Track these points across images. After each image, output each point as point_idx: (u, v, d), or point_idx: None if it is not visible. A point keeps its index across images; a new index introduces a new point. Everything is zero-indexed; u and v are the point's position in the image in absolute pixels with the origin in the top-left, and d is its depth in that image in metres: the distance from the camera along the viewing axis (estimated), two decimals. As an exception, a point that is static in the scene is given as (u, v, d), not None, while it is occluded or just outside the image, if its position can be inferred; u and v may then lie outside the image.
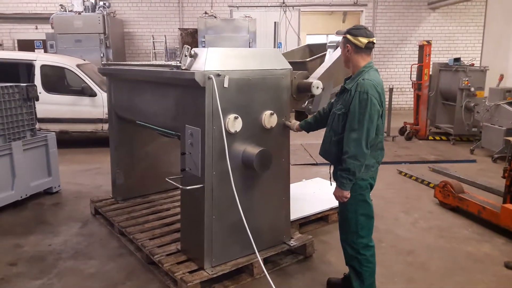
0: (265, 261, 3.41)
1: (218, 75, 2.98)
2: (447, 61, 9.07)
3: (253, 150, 3.16)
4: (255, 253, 3.32)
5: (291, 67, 3.42)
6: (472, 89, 8.30)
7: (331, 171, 3.03)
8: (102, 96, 7.60)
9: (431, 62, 9.04)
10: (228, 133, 3.07)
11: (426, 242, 4.11)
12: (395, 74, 13.35)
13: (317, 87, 3.37)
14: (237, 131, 3.11)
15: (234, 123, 3.08)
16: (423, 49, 8.81)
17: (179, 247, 3.50)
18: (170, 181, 3.21)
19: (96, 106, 7.71)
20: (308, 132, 3.39)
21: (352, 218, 2.89)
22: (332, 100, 3.13)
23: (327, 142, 2.90)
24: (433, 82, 9.33)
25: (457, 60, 8.78)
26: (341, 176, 2.72)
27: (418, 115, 9.14)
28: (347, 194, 2.76)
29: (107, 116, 7.52)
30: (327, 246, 4.00)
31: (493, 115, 7.37)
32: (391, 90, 9.01)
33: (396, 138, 9.02)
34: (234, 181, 3.01)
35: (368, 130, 2.64)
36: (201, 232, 3.16)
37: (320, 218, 4.47)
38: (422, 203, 5.18)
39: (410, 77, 9.43)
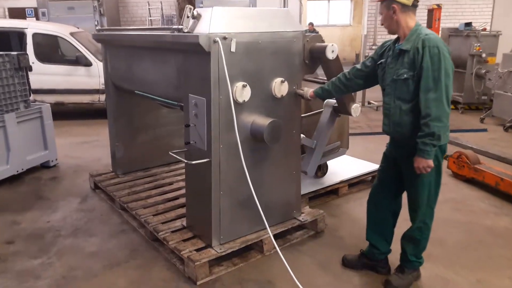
0: (275, 237, 3.22)
1: (225, 38, 2.70)
2: (456, 26, 8.69)
3: (263, 121, 2.92)
4: (264, 229, 3.17)
5: (303, 29, 3.13)
6: (484, 55, 7.98)
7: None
8: (98, 66, 7.29)
9: (440, 27, 8.67)
10: (235, 103, 2.82)
11: (443, 216, 3.92)
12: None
13: (332, 51, 3.10)
14: (246, 100, 2.86)
15: (243, 92, 2.83)
16: (433, 13, 8.44)
17: (185, 223, 3.32)
18: (174, 155, 2.99)
19: (92, 76, 7.40)
20: (324, 101, 3.15)
21: (426, 190, 2.67)
22: (358, 66, 2.87)
23: (395, 113, 2.63)
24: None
25: (468, 24, 8.41)
26: (423, 143, 2.46)
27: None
28: (431, 162, 2.51)
29: (103, 86, 7.28)
30: (338, 220, 3.83)
31: (506, 82, 7.07)
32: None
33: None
34: (243, 154, 2.79)
35: (446, 86, 2.41)
36: (208, 209, 2.96)
37: (330, 192, 4.29)
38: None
39: (418, 43, 9.04)
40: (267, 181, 3.17)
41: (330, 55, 3.10)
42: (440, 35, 8.75)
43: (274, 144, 2.98)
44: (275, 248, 3.18)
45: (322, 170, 4.30)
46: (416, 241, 2.81)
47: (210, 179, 2.89)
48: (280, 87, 3.04)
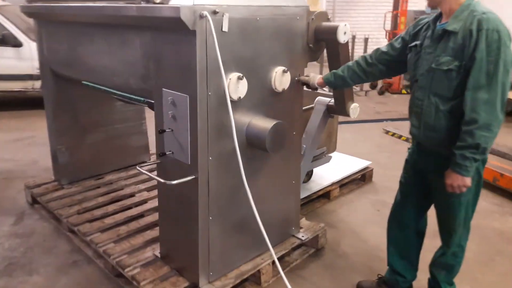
0: (273, 263, 2.61)
1: (215, 12, 1.97)
2: (423, 9, 8.39)
3: (263, 124, 2.25)
4: (260, 255, 2.57)
5: (307, 4, 2.46)
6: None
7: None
8: (30, 47, 6.16)
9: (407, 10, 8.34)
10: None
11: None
12: (365, 23, 12.03)
13: (345, 33, 2.46)
14: (241, 97, 2.17)
15: (238, 86, 2.13)
16: (400, -6, 8.05)
17: (157, 252, 2.59)
18: (144, 171, 2.23)
19: (23, 59, 6.25)
20: (335, 89, 2.53)
21: (462, 210, 2.13)
22: (383, 48, 2.27)
23: (429, 113, 2.03)
24: (406, 31, 8.65)
25: (435, 8, 8.12)
26: (462, 157, 1.88)
27: (391, 67, 8.49)
28: (469, 181, 1.95)
29: (38, 71, 6.19)
30: (336, 232, 3.27)
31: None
32: (366, 40, 8.26)
33: (368, 93, 8.41)
34: (234, 166, 2.12)
35: (503, 85, 1.83)
36: (193, 239, 2.26)
37: (321, 195, 3.73)
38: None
39: (384, 27, 8.69)
40: (263, 196, 2.51)
41: (342, 38, 2.47)
42: (406, 19, 8.43)
43: (277, 152, 2.32)
44: (273, 277, 2.60)
45: (308, 174, 3.70)
46: (450, 267, 2.30)
47: (195, 201, 2.18)
48: (281, 78, 2.37)
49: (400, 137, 5.66)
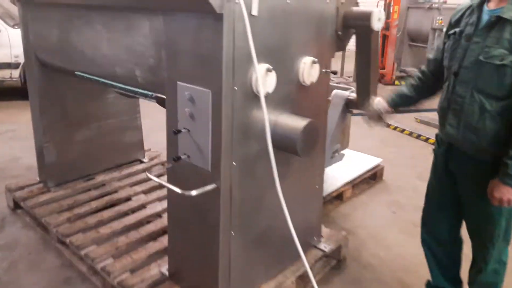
0: (295, 279, 2.33)
1: (245, -9, 1.64)
2: (415, -3, 8.22)
3: (293, 123, 1.94)
4: (281, 272, 2.29)
5: (339, -15, 2.15)
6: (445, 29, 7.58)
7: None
8: (8, 33, 5.68)
9: (400, -2, 8.11)
10: (254, 96, 1.81)
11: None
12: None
13: (379, 19, 2.17)
14: (270, 92, 1.85)
15: (266, 79, 1.82)
16: (393, -18, 7.82)
17: (164, 269, 2.27)
18: (156, 179, 1.90)
19: (0, 46, 5.74)
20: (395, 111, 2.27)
21: (503, 222, 1.88)
22: (431, 56, 2.01)
23: (471, 113, 1.76)
24: (400, 21, 8.43)
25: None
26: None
27: (384, 58, 8.28)
28: None
29: (16, 59, 5.71)
30: (356, 239, 3.01)
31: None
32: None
33: (363, 85, 8.18)
34: (260, 172, 1.85)
35: None
36: (211, 255, 1.95)
37: (334, 197, 3.46)
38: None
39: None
40: (288, 203, 2.22)
41: (377, 25, 2.17)
42: (400, 8, 8.19)
43: (308, 155, 2.02)
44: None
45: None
46: (492, 285, 2.06)
47: (216, 213, 1.86)
48: (310, 70, 2.06)
49: (402, 131, 5.45)
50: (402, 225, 3.24)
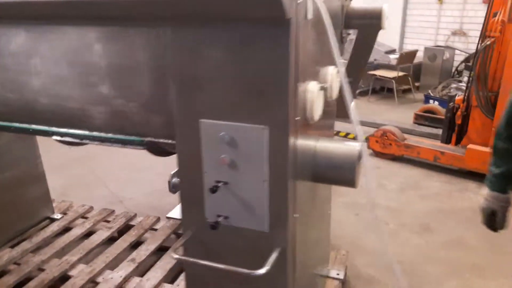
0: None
1: (303, -12, 1.21)
2: None
3: (340, 149, 1.58)
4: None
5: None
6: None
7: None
8: None
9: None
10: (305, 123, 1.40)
11: (421, 209, 3.41)
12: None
13: (387, 17, 1.93)
14: (319, 116, 1.46)
15: (317, 102, 1.42)
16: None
17: None
18: (202, 262, 1.31)
19: None
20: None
21: None
22: None
23: None
24: None
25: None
26: None
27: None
28: None
29: None
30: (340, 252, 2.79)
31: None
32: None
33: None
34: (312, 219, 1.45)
35: None
36: None
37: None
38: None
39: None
40: (315, 237, 1.85)
41: (385, 24, 1.93)
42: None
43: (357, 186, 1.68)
44: None
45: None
46: None
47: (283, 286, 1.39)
48: (335, 81, 1.72)
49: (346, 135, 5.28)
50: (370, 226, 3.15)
